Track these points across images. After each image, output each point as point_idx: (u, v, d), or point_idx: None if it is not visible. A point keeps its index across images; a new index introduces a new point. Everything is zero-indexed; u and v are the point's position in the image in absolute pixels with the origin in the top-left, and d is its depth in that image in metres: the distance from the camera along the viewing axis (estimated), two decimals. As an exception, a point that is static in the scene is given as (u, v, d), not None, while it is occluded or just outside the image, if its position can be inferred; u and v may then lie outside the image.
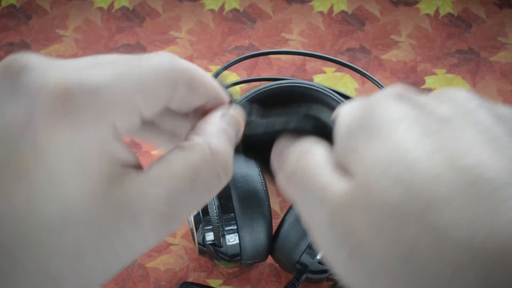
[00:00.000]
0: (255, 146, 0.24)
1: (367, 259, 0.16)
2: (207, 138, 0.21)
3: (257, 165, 0.43)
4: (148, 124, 0.24)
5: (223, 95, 0.23)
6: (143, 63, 0.19)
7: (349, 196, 0.17)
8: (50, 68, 0.18)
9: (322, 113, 0.21)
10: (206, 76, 0.22)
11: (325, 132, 0.21)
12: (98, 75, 0.18)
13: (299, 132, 0.22)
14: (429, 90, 0.57)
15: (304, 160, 0.20)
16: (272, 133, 0.23)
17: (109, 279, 0.19)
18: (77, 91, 0.17)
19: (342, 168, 0.19)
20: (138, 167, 0.20)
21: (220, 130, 0.22)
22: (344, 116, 0.20)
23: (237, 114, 0.23)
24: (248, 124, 0.24)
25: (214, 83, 0.23)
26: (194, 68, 0.21)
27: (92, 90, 0.17)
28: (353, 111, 0.20)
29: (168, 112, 0.23)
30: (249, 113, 0.24)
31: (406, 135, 0.17)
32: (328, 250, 0.18)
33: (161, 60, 0.20)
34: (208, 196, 0.21)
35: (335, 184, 0.18)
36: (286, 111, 0.23)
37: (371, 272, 0.16)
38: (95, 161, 0.17)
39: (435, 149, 0.16)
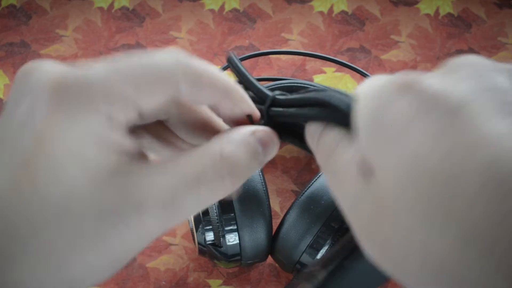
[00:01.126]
0: (285, 127, 0.24)
1: (402, 270, 0.17)
2: (223, 144, 0.21)
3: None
4: (154, 128, 0.24)
5: (240, 97, 0.23)
6: (143, 60, 0.20)
7: (375, 206, 0.17)
8: (53, 68, 0.19)
9: (339, 101, 0.20)
10: (215, 75, 0.21)
11: (346, 120, 0.20)
12: (94, 71, 0.19)
13: (323, 120, 0.21)
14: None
15: (332, 159, 0.20)
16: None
17: (113, 270, 0.20)
18: (71, 85, 0.18)
19: (367, 167, 0.18)
20: (144, 157, 0.20)
21: (243, 141, 0.21)
22: (360, 110, 0.19)
23: (270, 134, 0.22)
24: (272, 114, 0.23)
25: (227, 83, 0.22)
26: (199, 65, 0.21)
27: (85, 83, 0.19)
28: (368, 103, 0.19)
29: (181, 123, 0.23)
30: (271, 105, 0.24)
31: (419, 139, 0.16)
32: (369, 252, 0.18)
33: (163, 57, 0.20)
34: (211, 198, 0.21)
35: (362, 191, 0.18)
36: (305, 96, 0.22)
37: (409, 277, 0.17)
38: (92, 148, 0.18)
39: (449, 150, 0.15)
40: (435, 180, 0.15)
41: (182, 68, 0.20)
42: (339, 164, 0.20)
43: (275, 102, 0.23)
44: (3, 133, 0.19)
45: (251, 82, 0.24)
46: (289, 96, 0.23)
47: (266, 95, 0.24)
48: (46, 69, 0.19)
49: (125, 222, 0.19)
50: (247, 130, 0.22)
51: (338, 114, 0.20)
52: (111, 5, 0.62)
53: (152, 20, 0.61)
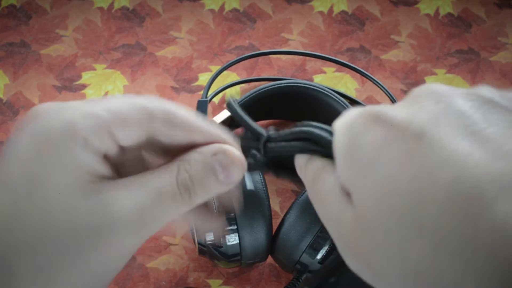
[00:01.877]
0: (281, 164, 0.26)
1: (382, 275, 0.18)
2: (182, 161, 0.23)
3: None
4: (138, 160, 0.25)
5: (217, 135, 0.24)
6: (129, 101, 0.22)
7: (355, 224, 0.19)
8: (49, 116, 0.22)
9: (318, 134, 0.23)
10: (186, 115, 0.23)
11: (327, 150, 0.23)
12: (74, 114, 0.22)
13: (308, 152, 0.24)
14: (429, 90, 0.57)
15: (317, 186, 0.22)
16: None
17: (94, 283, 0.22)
18: (55, 129, 0.21)
19: (346, 192, 0.20)
20: (114, 177, 0.22)
21: (202, 161, 0.23)
22: (337, 142, 0.21)
23: (232, 157, 0.24)
24: (265, 150, 0.26)
25: (199, 123, 0.24)
26: (170, 106, 0.23)
27: (68, 123, 0.21)
28: (342, 136, 0.21)
29: (160, 152, 0.25)
30: (266, 140, 0.26)
31: (389, 165, 0.18)
32: (352, 266, 0.20)
33: (143, 100, 0.23)
34: (175, 211, 0.23)
35: (344, 213, 0.20)
36: (290, 132, 0.25)
37: (390, 285, 0.18)
38: (69, 176, 0.21)
39: (416, 172, 0.17)
40: (405, 198, 0.17)
41: (153, 107, 0.22)
42: (323, 188, 0.22)
43: (269, 139, 0.26)
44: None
45: (248, 123, 0.27)
46: (281, 132, 0.26)
47: (261, 134, 0.26)
48: (44, 119, 0.22)
49: (101, 240, 0.21)
50: (209, 149, 0.23)
51: (320, 146, 0.23)
52: (111, 5, 0.62)
53: (152, 20, 0.61)
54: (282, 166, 0.26)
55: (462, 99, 0.18)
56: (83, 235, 0.20)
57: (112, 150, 0.22)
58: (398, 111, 0.19)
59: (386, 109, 0.19)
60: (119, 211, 0.21)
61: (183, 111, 0.23)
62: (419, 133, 0.17)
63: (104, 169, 0.22)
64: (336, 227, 0.20)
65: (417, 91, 0.19)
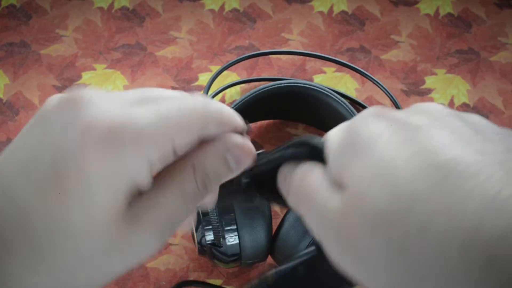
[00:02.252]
0: (266, 185, 0.26)
1: (367, 260, 0.19)
2: (199, 164, 0.24)
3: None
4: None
5: (239, 124, 0.25)
6: (181, 106, 0.23)
7: (344, 208, 0.20)
8: (102, 106, 0.22)
9: (313, 139, 0.23)
10: (231, 114, 0.25)
11: (319, 155, 0.23)
12: (140, 116, 0.22)
13: (297, 159, 0.24)
14: (429, 90, 0.57)
15: (304, 182, 0.23)
16: (276, 169, 0.25)
17: (113, 279, 0.23)
18: (120, 131, 0.21)
19: (337, 183, 0.21)
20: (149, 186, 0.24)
21: (218, 157, 0.24)
22: (332, 138, 0.22)
23: (246, 149, 0.25)
24: (254, 166, 0.26)
25: (235, 118, 0.25)
26: (222, 109, 0.24)
27: (132, 130, 0.21)
28: (339, 133, 0.22)
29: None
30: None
31: (386, 147, 0.19)
32: (336, 257, 0.21)
33: (196, 103, 0.23)
34: (195, 207, 0.25)
35: (332, 199, 0.20)
36: (282, 146, 0.25)
37: (374, 270, 0.19)
38: (121, 189, 0.22)
39: (412, 154, 0.18)
40: (399, 175, 0.18)
41: (211, 114, 0.23)
42: (312, 182, 0.22)
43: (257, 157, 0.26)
44: (39, 147, 0.21)
45: None
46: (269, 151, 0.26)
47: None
48: (95, 108, 0.21)
49: (128, 243, 0.22)
50: (221, 144, 0.24)
51: (310, 149, 0.23)
52: (111, 5, 0.62)
53: (152, 20, 0.61)
54: (268, 189, 0.26)
55: (452, 117, 0.20)
56: (115, 243, 0.22)
57: (167, 158, 0.23)
58: (399, 113, 0.21)
59: (388, 109, 0.21)
60: (151, 234, 0.23)
61: (225, 108, 0.24)
62: (418, 126, 0.19)
63: (146, 179, 0.23)
64: (322, 214, 0.21)
65: (417, 106, 0.22)
